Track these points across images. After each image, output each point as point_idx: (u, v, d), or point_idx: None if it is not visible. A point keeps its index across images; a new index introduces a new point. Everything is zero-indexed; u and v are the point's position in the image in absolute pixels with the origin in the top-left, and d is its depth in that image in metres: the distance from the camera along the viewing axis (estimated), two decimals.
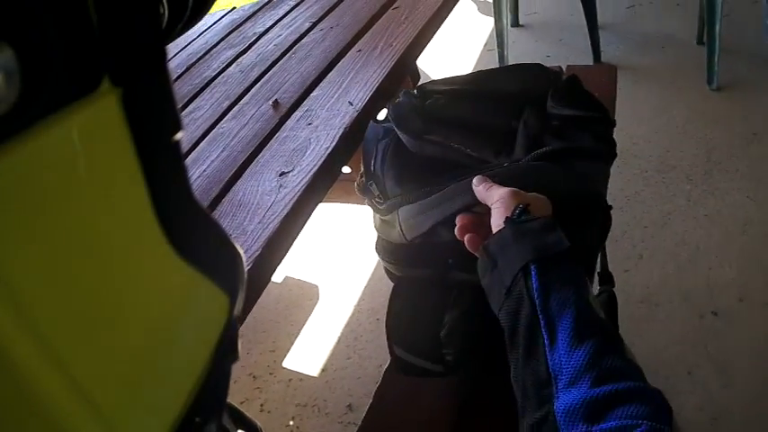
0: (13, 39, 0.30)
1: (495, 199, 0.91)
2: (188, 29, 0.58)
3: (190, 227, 0.45)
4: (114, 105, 0.37)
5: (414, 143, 1.20)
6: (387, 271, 1.30)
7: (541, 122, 1.24)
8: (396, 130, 1.22)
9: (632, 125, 3.12)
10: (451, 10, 1.84)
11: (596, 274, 1.27)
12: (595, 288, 1.15)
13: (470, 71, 3.43)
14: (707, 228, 2.50)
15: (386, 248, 1.26)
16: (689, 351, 2.05)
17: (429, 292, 1.23)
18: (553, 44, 3.99)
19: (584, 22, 3.54)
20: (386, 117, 1.27)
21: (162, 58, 0.42)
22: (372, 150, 1.26)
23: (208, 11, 0.59)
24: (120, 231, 0.39)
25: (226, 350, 0.47)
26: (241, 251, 0.50)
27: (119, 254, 0.39)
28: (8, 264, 0.30)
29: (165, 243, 0.41)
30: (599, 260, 1.27)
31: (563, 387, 0.70)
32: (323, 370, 2.33)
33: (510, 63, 3.60)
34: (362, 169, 1.28)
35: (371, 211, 1.26)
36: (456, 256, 1.14)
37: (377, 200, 1.23)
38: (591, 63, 3.57)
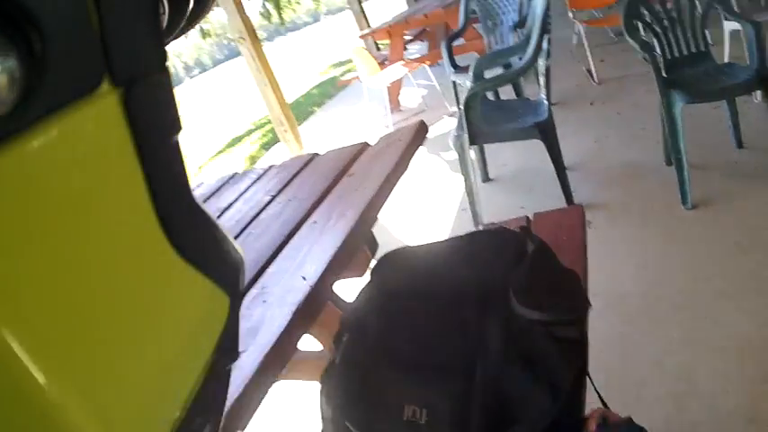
0: (14, 40, 0.31)
1: None
2: (188, 29, 0.58)
3: (190, 227, 0.46)
4: (115, 105, 0.37)
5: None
6: None
7: (503, 344, 1.19)
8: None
9: (612, 263, 3.09)
10: (404, 171, 1.85)
11: None
12: None
13: (446, 235, 3.46)
14: (710, 357, 2.39)
15: None
16: None
17: None
18: (525, 194, 4.03)
19: (553, 167, 3.59)
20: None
21: (162, 59, 0.43)
22: None
23: (208, 12, 0.59)
24: (121, 231, 0.39)
25: (226, 349, 0.48)
26: (242, 252, 0.52)
27: (119, 253, 0.39)
28: (7, 262, 0.30)
29: (166, 243, 0.42)
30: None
31: None
32: None
33: (484, 220, 3.64)
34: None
35: None
36: None
37: None
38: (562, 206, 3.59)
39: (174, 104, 0.44)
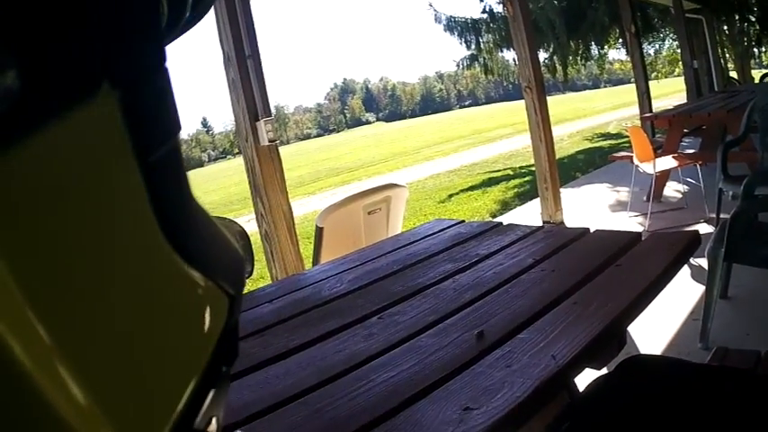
0: (9, 43, 0.31)
1: None
2: (188, 29, 0.57)
3: (190, 228, 0.45)
4: (113, 108, 0.37)
5: None
6: None
7: None
8: None
9: None
10: (671, 279, 1.80)
11: None
12: None
13: (672, 339, 3.31)
14: None
15: None
16: None
17: None
18: (754, 322, 3.80)
19: None
20: None
21: (161, 59, 0.42)
22: None
23: (207, 11, 0.58)
24: (120, 233, 0.39)
25: (226, 350, 0.47)
26: (241, 253, 0.50)
27: (118, 255, 0.38)
28: (8, 269, 0.30)
29: (165, 243, 0.41)
30: None
31: None
32: None
33: (711, 337, 3.46)
34: None
35: None
36: None
37: None
38: None
39: (174, 105, 0.43)
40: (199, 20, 0.57)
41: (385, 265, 2.33)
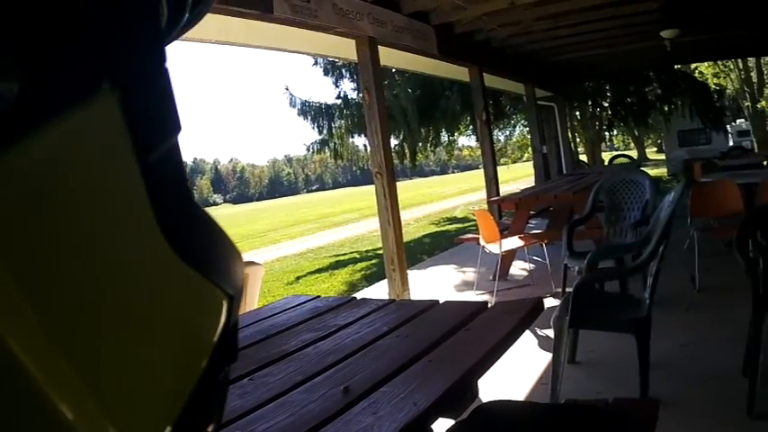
0: (11, 43, 0.31)
1: None
2: (188, 29, 0.57)
3: (188, 228, 0.45)
4: (114, 107, 0.37)
5: None
6: None
7: None
8: None
9: None
10: (516, 340, 2.02)
11: None
12: None
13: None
14: None
15: None
16: None
17: None
18: (605, 382, 4.08)
19: (637, 361, 3.65)
20: None
21: (161, 59, 0.43)
22: None
23: (207, 12, 0.58)
24: (120, 232, 0.39)
25: (225, 350, 0.47)
26: (240, 253, 0.51)
27: (118, 255, 0.39)
28: (7, 266, 0.31)
29: (164, 243, 0.41)
30: None
31: None
32: None
33: (560, 398, 3.69)
34: None
35: None
36: None
37: None
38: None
39: (174, 105, 0.44)
40: (198, 20, 0.57)
41: (249, 335, 2.42)
